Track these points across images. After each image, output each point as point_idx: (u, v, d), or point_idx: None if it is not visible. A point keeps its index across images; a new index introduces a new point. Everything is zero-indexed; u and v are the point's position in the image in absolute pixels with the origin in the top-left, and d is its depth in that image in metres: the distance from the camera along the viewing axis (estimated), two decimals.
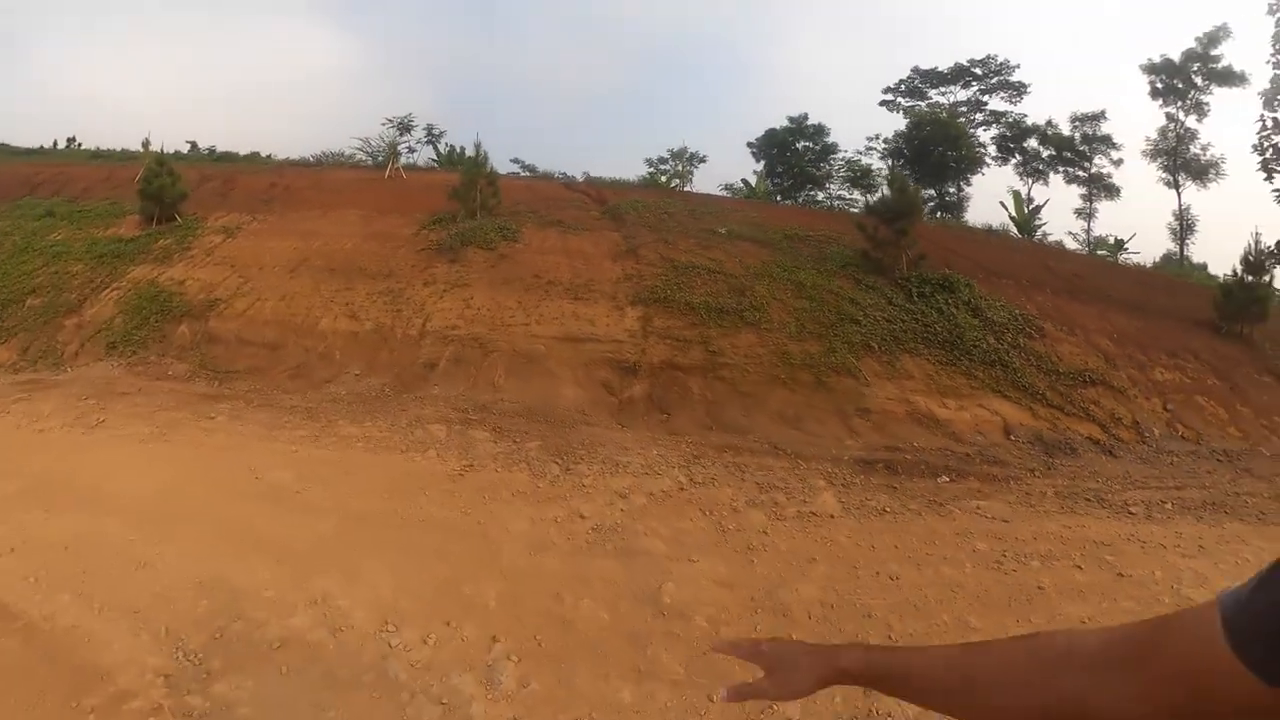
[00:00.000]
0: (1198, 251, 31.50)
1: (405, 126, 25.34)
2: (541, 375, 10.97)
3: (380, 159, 21.49)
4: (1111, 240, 28.27)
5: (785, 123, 35.60)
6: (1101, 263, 25.21)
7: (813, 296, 13.32)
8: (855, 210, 25.82)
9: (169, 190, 17.11)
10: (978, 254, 17.75)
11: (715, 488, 8.06)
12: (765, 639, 1.08)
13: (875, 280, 14.44)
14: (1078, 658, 0.73)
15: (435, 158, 25.55)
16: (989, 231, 23.73)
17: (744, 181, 29.69)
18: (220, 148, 25.76)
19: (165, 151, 20.41)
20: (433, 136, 28.72)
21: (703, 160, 31.04)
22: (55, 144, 28.59)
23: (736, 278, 13.58)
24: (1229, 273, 18.39)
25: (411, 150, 25.89)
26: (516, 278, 13.26)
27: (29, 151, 27.26)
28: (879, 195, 15.71)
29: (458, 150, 23.18)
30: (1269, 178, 27.13)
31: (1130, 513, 8.10)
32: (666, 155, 32.16)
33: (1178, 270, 26.61)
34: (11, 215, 18.27)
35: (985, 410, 11.13)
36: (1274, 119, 27.09)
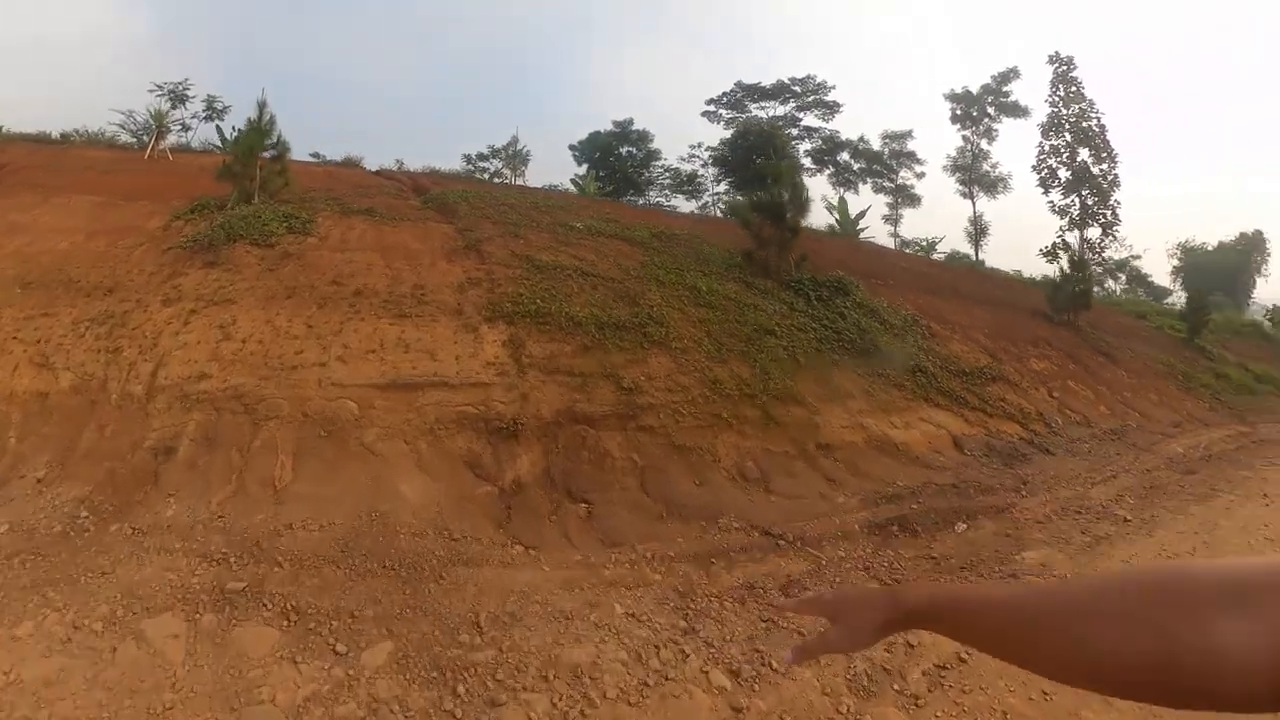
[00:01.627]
0: (989, 253, 34.31)
1: (179, 97, 17.92)
2: (357, 458, 5.76)
3: (145, 138, 14.63)
4: (925, 242, 28.63)
5: (610, 127, 32.13)
6: (941, 263, 24.06)
7: (713, 304, 9.39)
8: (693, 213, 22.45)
9: None
10: (838, 255, 15.21)
11: (773, 681, 3.59)
12: (827, 589, 0.83)
13: (766, 284, 11.06)
14: (1214, 590, 0.51)
15: (219, 140, 16.00)
16: (832, 234, 20.86)
17: (574, 181, 25.02)
18: None
19: None
20: (214, 112, 20.20)
21: (528, 158, 25.87)
22: None
23: (619, 281, 9.23)
24: (1058, 270, 19.13)
25: (186, 128, 18.54)
26: (306, 286, 7.90)
27: None
28: (763, 192, 11.75)
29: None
30: (1045, 192, 30.87)
31: (1126, 520, 6.79)
32: (487, 151, 26.75)
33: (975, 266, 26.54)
34: None
35: (929, 424, 8.76)
36: (1049, 145, 30.96)
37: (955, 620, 0.70)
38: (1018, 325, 15.50)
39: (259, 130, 10.27)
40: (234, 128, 16.40)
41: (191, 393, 6.38)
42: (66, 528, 5.22)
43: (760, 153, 29.71)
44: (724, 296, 9.57)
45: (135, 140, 15.27)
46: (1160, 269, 44.22)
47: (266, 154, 10.34)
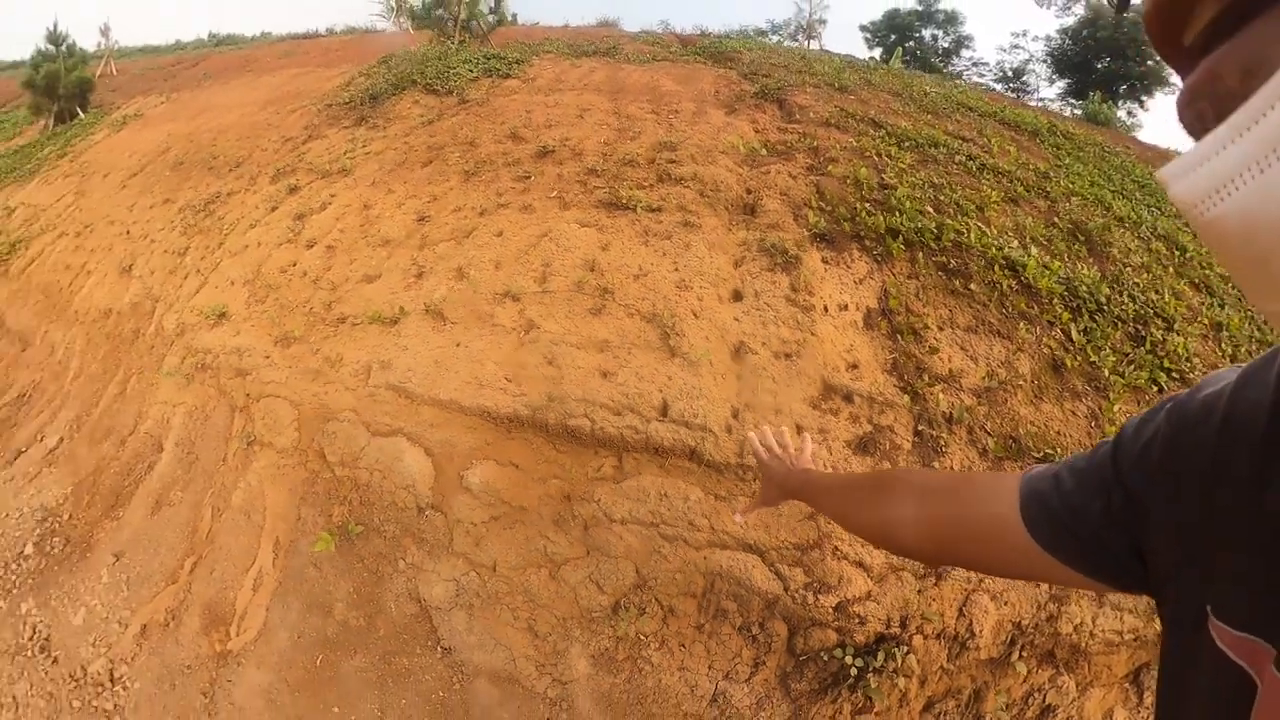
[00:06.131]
0: None
1: None
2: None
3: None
4: None
5: (911, 3, 24.08)
6: None
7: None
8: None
9: (64, 79, 10.01)
10: None
11: None
12: (773, 459, 1.06)
13: None
14: (901, 491, 0.74)
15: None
16: None
17: (871, 60, 18.34)
18: (248, 33, 17.00)
19: (108, 40, 12.30)
20: None
21: (824, 20, 18.80)
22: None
23: (1044, 190, 4.08)
24: None
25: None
26: (462, 143, 4.05)
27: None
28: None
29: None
30: None
31: None
32: (765, 26, 20.53)
33: None
34: None
35: None
36: None
37: (808, 497, 0.95)
38: None
39: None
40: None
41: (198, 349, 3.05)
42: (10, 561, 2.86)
43: (1109, 52, 20.43)
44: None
45: (391, 26, 13.01)
46: None
47: None
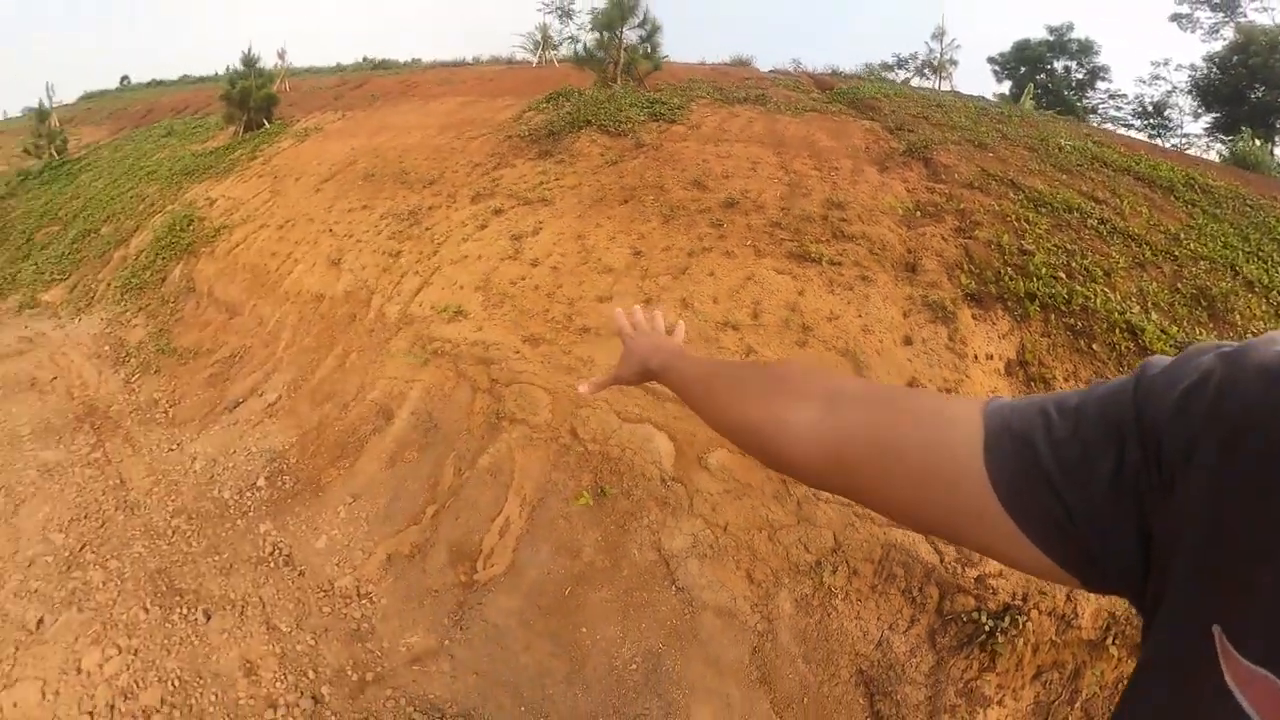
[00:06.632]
0: None
1: (565, 12, 16.59)
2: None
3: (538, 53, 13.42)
4: None
5: (1042, 34, 22.23)
6: None
7: None
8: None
9: (255, 94, 11.62)
10: None
11: None
12: (637, 333, 0.95)
13: None
14: (807, 387, 0.58)
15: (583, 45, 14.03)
16: None
17: (999, 96, 16.95)
18: (399, 58, 18.67)
19: (284, 62, 13.96)
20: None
21: (955, 59, 16.85)
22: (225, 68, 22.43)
23: (1172, 254, 4.33)
24: None
25: (575, 40, 17.01)
26: (651, 187, 4.84)
27: (213, 78, 21.64)
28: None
29: None
30: None
31: None
32: (891, 60, 19.62)
33: None
34: (139, 136, 14.15)
35: None
36: None
37: (673, 379, 0.80)
38: None
39: (620, 6, 7.52)
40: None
41: (436, 338, 3.80)
42: (234, 496, 3.61)
43: (1264, 81, 17.62)
44: None
45: (534, 59, 14.16)
46: None
47: (630, 32, 7.50)
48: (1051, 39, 22.25)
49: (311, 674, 2.53)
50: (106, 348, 6.42)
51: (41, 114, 14.59)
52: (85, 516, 3.67)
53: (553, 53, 13.26)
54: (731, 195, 4.46)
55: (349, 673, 2.50)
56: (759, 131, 5.84)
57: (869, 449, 0.47)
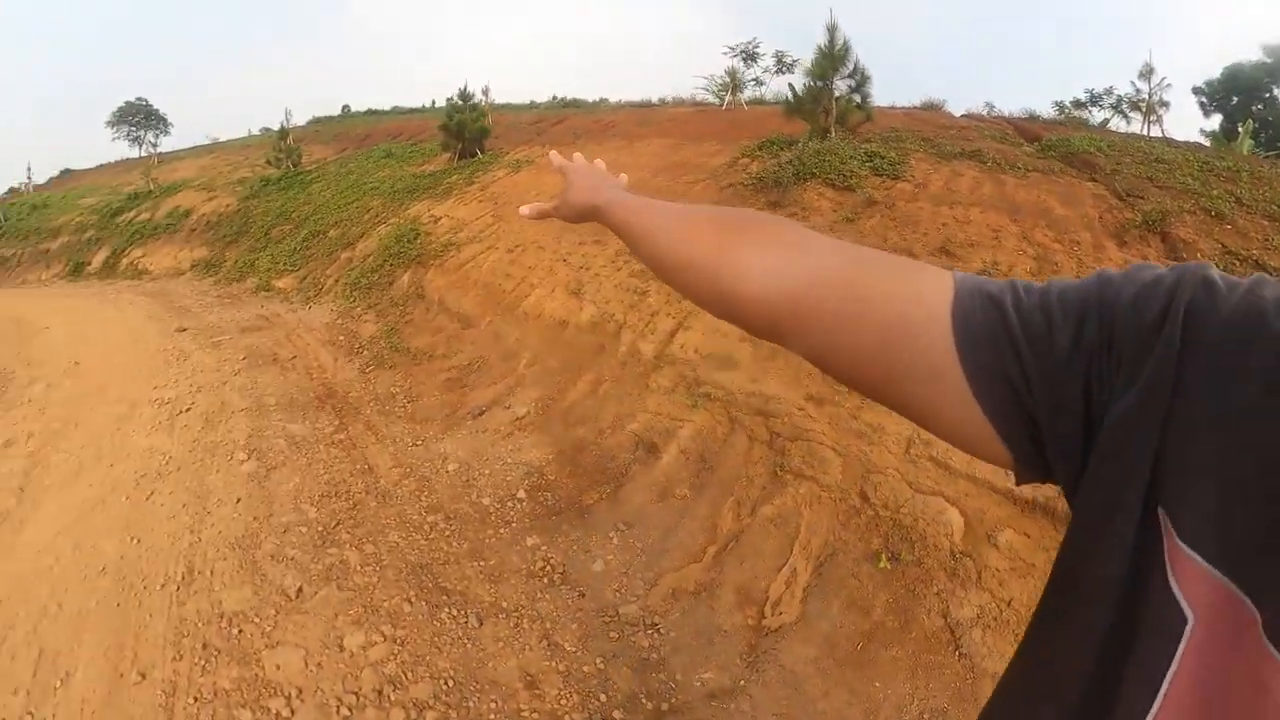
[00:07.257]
0: None
1: (749, 55, 16.65)
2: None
3: (724, 95, 13.76)
4: None
5: (1258, 56, 18.86)
6: None
7: None
8: None
9: (470, 126, 12.95)
10: None
11: None
12: (581, 162, 0.90)
13: None
14: (766, 231, 0.53)
15: (789, 92, 13.22)
16: None
17: (1210, 136, 14.56)
18: (587, 97, 19.88)
19: (488, 98, 15.44)
20: (783, 65, 17.73)
21: (1165, 100, 14.22)
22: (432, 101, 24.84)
23: None
24: None
25: (759, 83, 17.17)
26: (899, 249, 4.88)
27: (420, 110, 24.07)
28: None
29: None
30: None
31: None
32: (1084, 97, 17.65)
33: None
34: (364, 156, 16.08)
35: None
36: None
37: (616, 211, 0.72)
38: None
39: (831, 56, 7.59)
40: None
41: (705, 381, 3.94)
42: (495, 504, 3.83)
43: None
44: None
45: (716, 100, 14.55)
46: None
47: (841, 83, 7.55)
48: (1270, 61, 19.26)
49: (603, 697, 2.61)
50: (341, 337, 7.23)
51: (282, 132, 17.27)
52: (335, 495, 3.93)
53: (740, 95, 13.55)
54: (984, 267, 4.38)
55: (643, 700, 2.61)
56: (988, 194, 5.72)
57: (835, 290, 0.45)
